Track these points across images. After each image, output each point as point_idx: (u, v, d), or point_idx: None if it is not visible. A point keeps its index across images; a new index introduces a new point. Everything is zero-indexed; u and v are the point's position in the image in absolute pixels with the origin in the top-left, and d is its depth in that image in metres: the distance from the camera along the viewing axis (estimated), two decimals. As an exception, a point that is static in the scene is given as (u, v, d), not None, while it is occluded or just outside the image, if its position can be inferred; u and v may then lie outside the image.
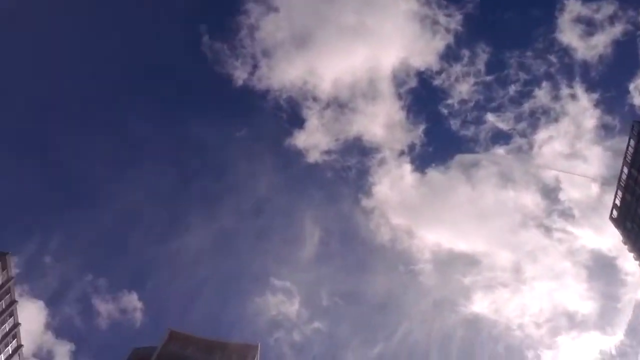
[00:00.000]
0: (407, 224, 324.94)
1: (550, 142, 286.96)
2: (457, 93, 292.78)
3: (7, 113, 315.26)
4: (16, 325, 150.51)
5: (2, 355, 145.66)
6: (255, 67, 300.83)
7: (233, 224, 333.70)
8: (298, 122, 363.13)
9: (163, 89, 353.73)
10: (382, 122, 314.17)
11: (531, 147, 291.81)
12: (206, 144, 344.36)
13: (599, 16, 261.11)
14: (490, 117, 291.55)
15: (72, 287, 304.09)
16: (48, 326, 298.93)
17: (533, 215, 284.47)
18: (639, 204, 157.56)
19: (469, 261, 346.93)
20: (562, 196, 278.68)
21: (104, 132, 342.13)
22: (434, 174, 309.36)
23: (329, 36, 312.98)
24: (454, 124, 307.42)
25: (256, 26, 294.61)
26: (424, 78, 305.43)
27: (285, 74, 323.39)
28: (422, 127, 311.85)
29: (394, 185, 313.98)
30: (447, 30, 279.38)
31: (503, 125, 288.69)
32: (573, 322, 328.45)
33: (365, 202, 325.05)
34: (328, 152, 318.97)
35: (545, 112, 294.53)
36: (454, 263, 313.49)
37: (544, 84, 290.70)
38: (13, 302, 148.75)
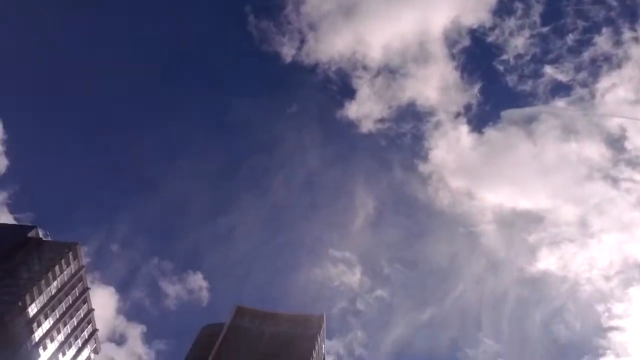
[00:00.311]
0: (466, 186, 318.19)
1: (614, 90, 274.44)
2: (512, 48, 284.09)
3: (69, 112, 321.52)
4: (90, 311, 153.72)
5: (79, 340, 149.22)
6: (302, 42, 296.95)
7: (286, 198, 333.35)
8: (349, 93, 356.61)
9: (211, 72, 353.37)
10: (435, 84, 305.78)
11: (593, 96, 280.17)
12: (257, 122, 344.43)
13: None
14: (548, 70, 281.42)
15: (140, 271, 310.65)
16: (119, 311, 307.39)
17: (598, 166, 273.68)
18: None
19: (533, 219, 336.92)
20: (628, 144, 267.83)
21: (156, 118, 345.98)
22: (492, 133, 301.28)
23: (376, 3, 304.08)
24: (511, 80, 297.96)
25: (301, 0, 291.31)
26: (476, 36, 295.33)
27: (333, 45, 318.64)
28: (477, 86, 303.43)
29: (451, 148, 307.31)
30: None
31: (562, 77, 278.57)
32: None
33: (422, 168, 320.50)
34: (381, 120, 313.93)
35: (607, 59, 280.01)
36: (517, 222, 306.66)
37: (604, 30, 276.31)
38: (86, 290, 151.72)
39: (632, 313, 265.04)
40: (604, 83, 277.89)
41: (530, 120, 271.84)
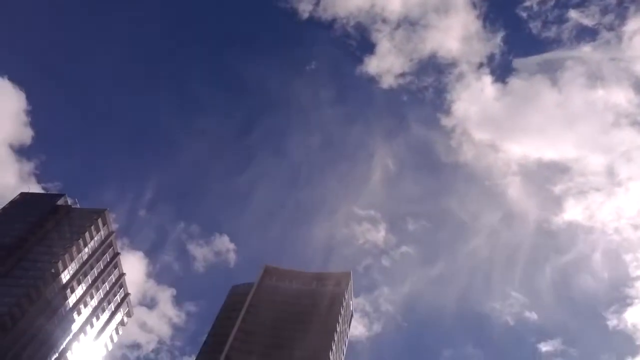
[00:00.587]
0: (490, 138, 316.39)
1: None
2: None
3: (88, 80, 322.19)
4: (121, 275, 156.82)
5: (112, 304, 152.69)
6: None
7: (306, 157, 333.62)
8: (368, 47, 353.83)
9: (227, 31, 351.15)
10: (457, 35, 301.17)
11: (620, 40, 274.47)
12: (274, 80, 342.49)
13: None
14: (573, 14, 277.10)
15: (168, 236, 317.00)
16: (149, 275, 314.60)
17: (626, 112, 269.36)
18: None
19: (559, 169, 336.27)
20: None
21: (169, 85, 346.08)
22: (516, 82, 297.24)
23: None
24: (535, 26, 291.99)
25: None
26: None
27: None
28: (500, 35, 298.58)
29: (474, 99, 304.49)
30: None
31: (588, 21, 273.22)
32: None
33: (445, 121, 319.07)
34: (402, 74, 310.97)
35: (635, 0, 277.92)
36: (543, 173, 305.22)
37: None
38: (116, 255, 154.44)
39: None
40: (631, 25, 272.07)
41: (553, 68, 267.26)
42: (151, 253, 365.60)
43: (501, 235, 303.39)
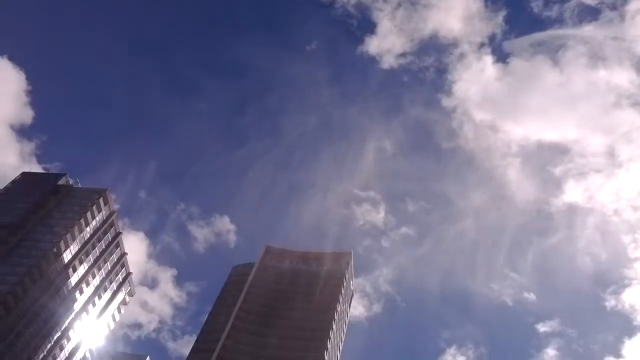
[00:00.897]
0: (491, 118, 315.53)
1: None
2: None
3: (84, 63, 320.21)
4: (123, 255, 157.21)
5: (114, 283, 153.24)
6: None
7: (303, 138, 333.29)
8: (369, 27, 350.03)
9: (226, 9, 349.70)
10: (458, 14, 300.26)
11: (623, 19, 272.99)
12: (273, 60, 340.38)
13: None
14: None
15: (168, 217, 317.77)
16: (150, 255, 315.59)
17: (628, 93, 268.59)
18: None
19: (559, 150, 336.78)
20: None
21: (165, 59, 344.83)
22: (517, 62, 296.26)
23: None
24: (536, 5, 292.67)
25: None
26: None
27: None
28: (502, 15, 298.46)
29: (475, 79, 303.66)
30: None
31: (590, 0, 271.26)
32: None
33: (446, 102, 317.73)
34: (403, 54, 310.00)
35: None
36: (543, 154, 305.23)
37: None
38: (118, 234, 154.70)
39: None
40: (634, 4, 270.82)
41: (554, 48, 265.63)
42: (152, 234, 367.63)
43: (499, 217, 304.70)
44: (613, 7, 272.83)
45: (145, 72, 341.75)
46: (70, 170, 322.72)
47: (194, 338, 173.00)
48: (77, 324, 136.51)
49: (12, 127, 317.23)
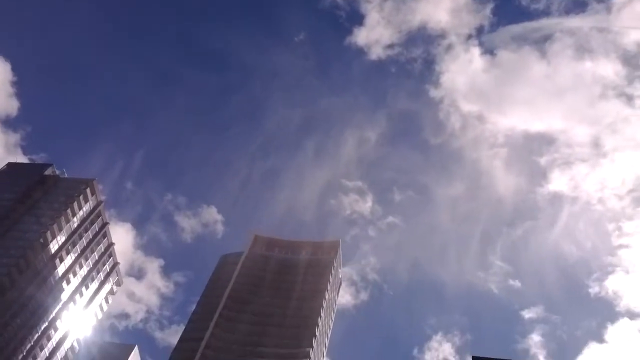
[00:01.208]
0: (478, 109, 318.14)
1: (631, 3, 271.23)
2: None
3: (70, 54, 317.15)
4: (110, 245, 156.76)
5: (101, 273, 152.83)
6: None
7: (288, 128, 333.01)
8: (357, 18, 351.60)
9: (210, 3, 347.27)
10: (446, 6, 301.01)
11: (609, 11, 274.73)
12: (260, 51, 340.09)
13: None
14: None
15: (155, 207, 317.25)
16: (137, 246, 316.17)
17: (613, 84, 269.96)
18: None
19: (545, 140, 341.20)
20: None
21: (150, 51, 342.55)
22: (504, 54, 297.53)
23: None
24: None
25: None
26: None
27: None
28: (489, 7, 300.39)
29: (463, 71, 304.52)
30: None
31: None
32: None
33: (433, 93, 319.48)
34: (391, 46, 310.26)
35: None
36: (529, 144, 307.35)
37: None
38: (105, 224, 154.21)
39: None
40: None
41: (544, 39, 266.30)
42: (139, 224, 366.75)
43: (485, 206, 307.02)
44: (600, 0, 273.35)
45: (129, 62, 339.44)
46: (56, 162, 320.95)
47: (181, 328, 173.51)
48: (64, 314, 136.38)
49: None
